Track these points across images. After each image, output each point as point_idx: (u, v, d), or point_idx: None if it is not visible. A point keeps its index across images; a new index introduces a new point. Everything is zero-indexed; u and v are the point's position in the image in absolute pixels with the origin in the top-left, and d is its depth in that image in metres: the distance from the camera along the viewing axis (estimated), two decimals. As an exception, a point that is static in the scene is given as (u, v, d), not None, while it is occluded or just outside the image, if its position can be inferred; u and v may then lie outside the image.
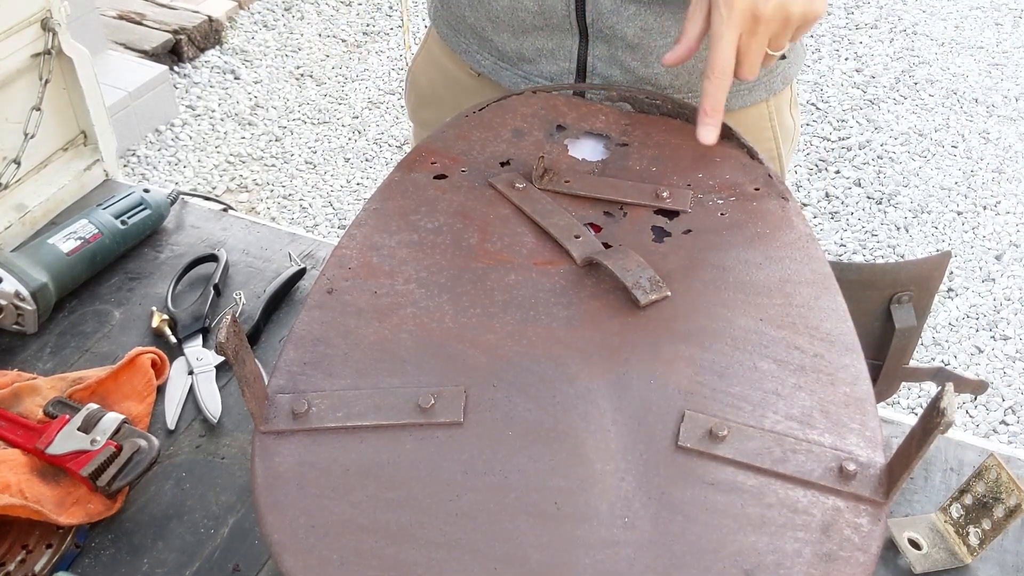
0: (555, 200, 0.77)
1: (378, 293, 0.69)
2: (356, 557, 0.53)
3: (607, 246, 0.73)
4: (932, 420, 0.52)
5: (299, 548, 0.53)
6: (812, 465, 0.58)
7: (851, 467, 0.57)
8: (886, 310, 0.86)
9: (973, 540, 0.75)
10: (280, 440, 0.59)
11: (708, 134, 0.78)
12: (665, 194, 0.78)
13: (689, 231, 0.75)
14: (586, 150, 0.83)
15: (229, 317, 0.54)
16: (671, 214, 0.77)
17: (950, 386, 0.53)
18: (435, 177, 0.79)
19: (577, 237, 0.73)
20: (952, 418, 0.51)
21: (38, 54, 1.03)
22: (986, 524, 0.74)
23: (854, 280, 0.81)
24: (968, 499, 0.75)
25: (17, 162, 1.03)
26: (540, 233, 0.74)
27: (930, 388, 2.18)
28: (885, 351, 0.88)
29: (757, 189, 0.79)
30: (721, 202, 0.78)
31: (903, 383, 0.92)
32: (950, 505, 0.77)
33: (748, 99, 0.97)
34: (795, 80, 1.02)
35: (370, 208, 0.76)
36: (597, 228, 0.76)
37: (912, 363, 0.90)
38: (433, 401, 0.60)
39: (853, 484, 0.57)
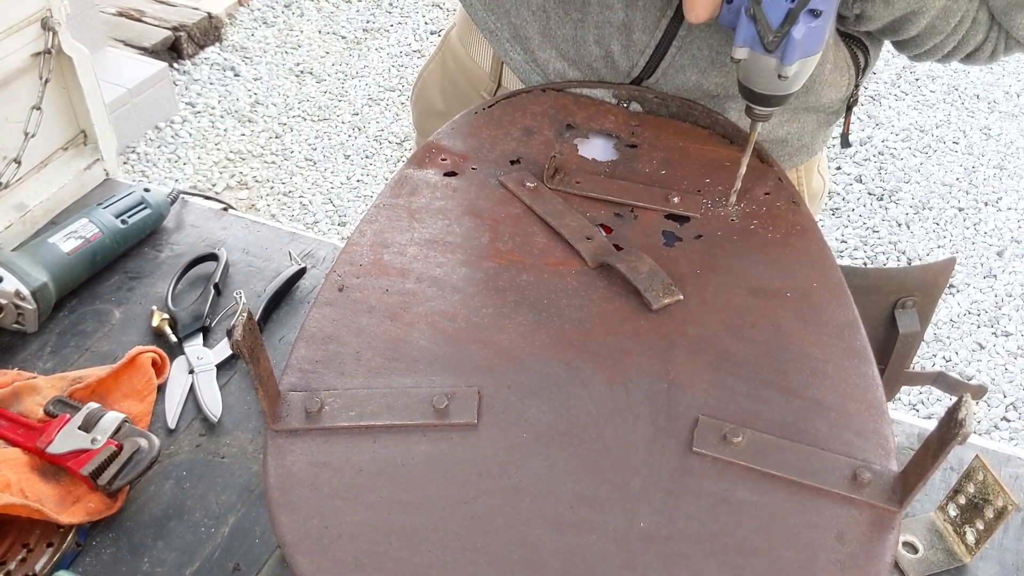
0: (566, 200, 0.77)
1: (389, 291, 0.68)
2: (371, 559, 0.53)
3: (618, 248, 0.72)
4: (950, 431, 0.52)
5: (313, 549, 0.53)
6: (826, 473, 0.58)
7: (865, 475, 0.57)
8: (890, 315, 0.86)
9: (970, 539, 0.74)
10: (293, 439, 0.58)
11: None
12: (676, 199, 0.77)
13: (700, 236, 0.74)
14: (596, 150, 0.83)
15: (246, 315, 0.54)
16: (681, 219, 0.76)
17: (968, 396, 0.52)
18: (445, 174, 0.78)
19: (589, 239, 0.72)
20: (970, 429, 0.51)
21: (38, 53, 1.03)
22: (979, 524, 0.73)
23: (860, 285, 0.81)
24: (962, 499, 0.75)
25: (17, 161, 1.02)
26: (551, 233, 0.74)
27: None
28: (888, 355, 0.87)
29: (768, 193, 0.78)
30: (731, 207, 0.77)
31: (903, 386, 0.92)
32: (947, 504, 0.76)
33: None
34: (824, 146, 1.00)
35: (380, 204, 0.75)
36: (608, 229, 0.75)
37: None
38: (447, 402, 0.60)
39: (867, 492, 0.57)
